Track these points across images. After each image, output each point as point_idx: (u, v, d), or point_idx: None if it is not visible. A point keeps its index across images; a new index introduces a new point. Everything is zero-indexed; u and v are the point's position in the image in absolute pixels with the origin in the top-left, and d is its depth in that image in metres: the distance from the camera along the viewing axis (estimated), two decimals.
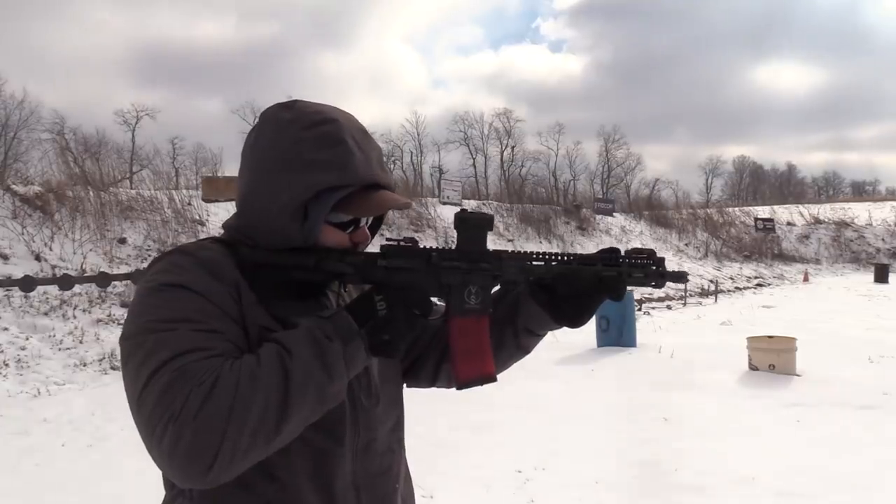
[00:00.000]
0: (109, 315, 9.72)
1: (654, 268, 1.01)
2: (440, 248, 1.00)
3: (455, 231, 1.00)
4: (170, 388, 0.84)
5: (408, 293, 0.97)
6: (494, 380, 1.02)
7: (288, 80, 70.58)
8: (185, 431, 0.81)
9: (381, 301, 0.95)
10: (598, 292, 1.02)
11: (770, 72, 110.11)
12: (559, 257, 1.02)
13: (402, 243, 1.00)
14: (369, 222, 1.10)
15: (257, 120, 1.07)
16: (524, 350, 1.16)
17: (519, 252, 1.02)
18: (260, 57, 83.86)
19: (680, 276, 1.04)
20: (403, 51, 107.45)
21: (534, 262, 1.02)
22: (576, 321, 1.04)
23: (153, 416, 0.84)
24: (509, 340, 1.13)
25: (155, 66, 77.30)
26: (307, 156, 0.99)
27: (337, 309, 0.96)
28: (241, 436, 0.82)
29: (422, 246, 1.01)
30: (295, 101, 1.06)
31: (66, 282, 8.31)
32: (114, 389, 7.19)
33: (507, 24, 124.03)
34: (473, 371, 1.01)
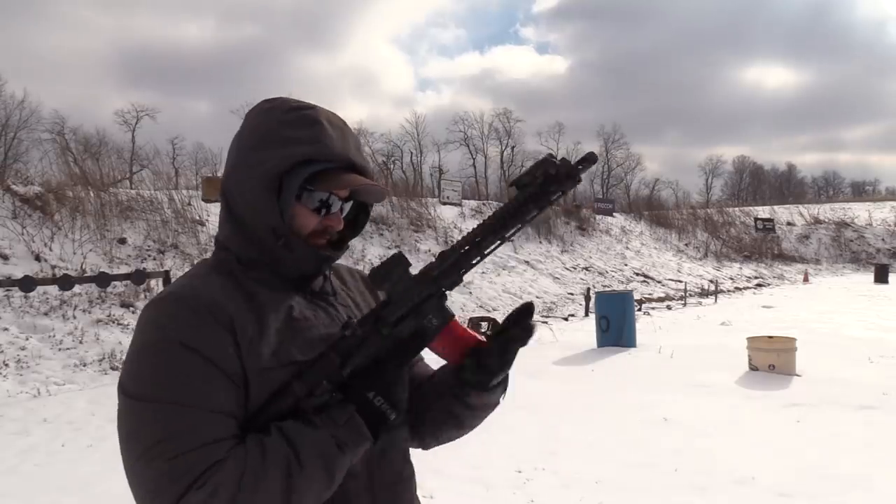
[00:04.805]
0: (109, 315, 9.72)
1: (567, 177, 0.95)
2: (376, 309, 1.00)
3: (376, 288, 1.03)
4: (164, 477, 0.86)
5: (382, 368, 0.98)
6: (486, 344, 1.02)
7: (276, 81, 70.79)
8: None
9: (377, 397, 0.95)
10: (509, 348, 1.00)
11: (755, 73, 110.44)
12: (480, 235, 0.99)
13: (345, 333, 0.99)
14: (345, 211, 1.10)
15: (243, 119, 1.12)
16: (494, 405, 1.17)
17: (445, 253, 1.00)
18: (244, 59, 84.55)
19: (588, 160, 0.96)
20: (389, 52, 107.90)
21: (462, 256, 0.99)
22: (498, 380, 1.05)
23: (147, 497, 0.88)
24: (461, 411, 1.15)
25: (141, 67, 77.52)
26: (284, 133, 1.02)
27: (349, 410, 0.94)
28: None
29: (356, 319, 1.04)
30: (277, 97, 1.10)
31: (66, 282, 8.30)
32: (113, 389, 7.14)
33: (489, 26, 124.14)
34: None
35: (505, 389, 1.12)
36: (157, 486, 0.86)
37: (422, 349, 1.01)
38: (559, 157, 0.96)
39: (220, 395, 0.92)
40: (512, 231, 0.98)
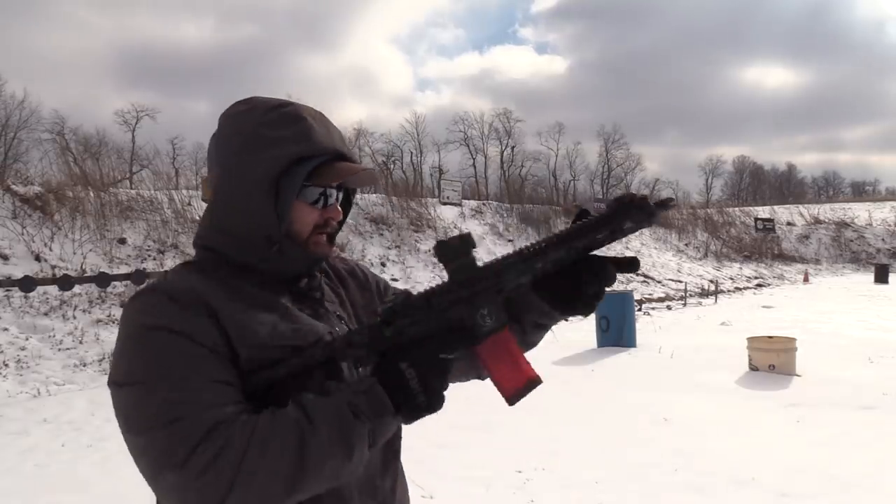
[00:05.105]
0: (109, 315, 9.72)
1: (637, 210, 0.93)
2: (434, 287, 0.98)
3: (441, 263, 0.97)
4: (170, 442, 0.85)
5: (424, 347, 0.95)
6: (539, 381, 0.98)
7: (275, 81, 71.07)
8: (191, 486, 0.83)
9: (410, 369, 0.93)
10: (601, 278, 0.99)
11: (755, 73, 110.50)
12: (547, 243, 0.97)
13: (395, 299, 0.98)
14: (340, 199, 1.11)
15: (218, 123, 1.09)
16: (531, 345, 1.15)
17: (511, 255, 0.98)
18: (244, 59, 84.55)
19: (665, 204, 0.95)
20: (388, 52, 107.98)
21: (530, 259, 0.97)
22: (588, 309, 1.02)
23: (156, 468, 0.85)
24: (516, 338, 1.12)
25: (141, 67, 77.39)
26: (271, 134, 1.01)
27: (370, 380, 0.93)
28: (246, 499, 0.83)
29: (414, 292, 0.99)
30: (251, 97, 1.09)
31: (65, 282, 8.30)
32: None
33: (488, 26, 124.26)
34: (516, 383, 0.98)
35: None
36: (164, 452, 0.84)
37: (471, 345, 0.96)
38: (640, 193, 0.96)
39: (212, 367, 0.91)
40: (578, 247, 0.95)
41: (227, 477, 0.83)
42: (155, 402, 0.87)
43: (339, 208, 1.10)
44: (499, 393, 0.98)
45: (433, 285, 0.99)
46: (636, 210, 0.92)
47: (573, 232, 0.95)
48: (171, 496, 0.85)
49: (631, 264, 0.99)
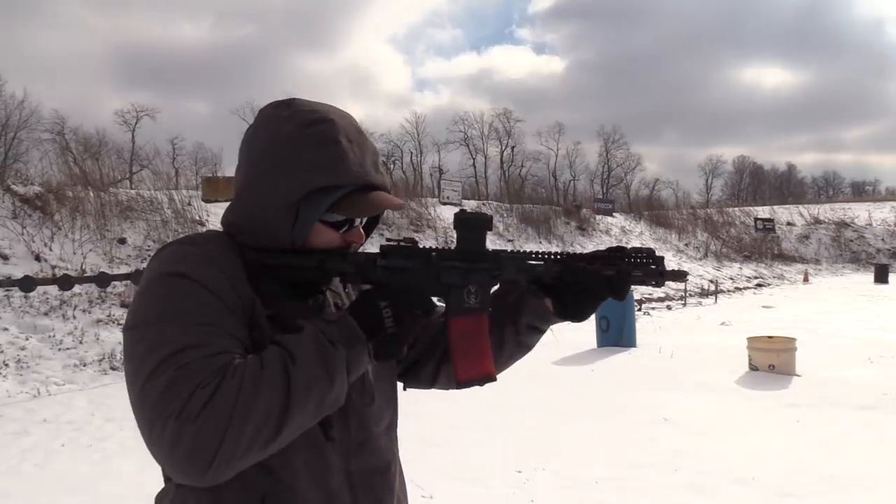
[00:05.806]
0: (109, 315, 9.72)
1: (653, 267, 1.01)
2: (440, 247, 1.01)
3: (454, 231, 1.01)
4: (171, 386, 0.84)
5: (408, 294, 0.98)
6: (494, 379, 1.02)
7: (275, 81, 71.02)
8: (186, 432, 0.82)
9: (387, 308, 0.95)
10: (602, 291, 1.01)
11: (754, 73, 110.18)
12: (557, 256, 1.02)
13: (401, 243, 1.01)
14: (364, 222, 1.10)
15: (256, 117, 1.08)
16: (526, 347, 1.17)
17: (518, 252, 1.02)
18: (243, 59, 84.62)
19: (679, 275, 1.03)
20: (386, 52, 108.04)
21: (532, 262, 1.01)
22: (580, 317, 1.05)
23: (154, 413, 0.84)
24: (509, 338, 1.14)
25: (141, 67, 77.28)
26: (301, 155, 1.00)
27: (341, 312, 0.96)
28: (240, 439, 0.83)
29: (421, 246, 1.02)
30: (293, 100, 1.06)
31: (65, 282, 8.28)
32: (113, 389, 7.19)
33: (485, 27, 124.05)
34: (473, 370, 1.01)
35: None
36: (164, 396, 0.84)
37: (448, 315, 1.00)
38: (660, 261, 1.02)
39: (224, 319, 0.92)
40: (583, 274, 1.00)
41: (220, 422, 0.82)
42: (165, 348, 0.87)
43: (363, 231, 1.10)
44: (451, 371, 1.01)
45: (439, 246, 1.02)
46: (650, 266, 0.99)
47: (585, 258, 1.01)
48: (174, 451, 0.83)
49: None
